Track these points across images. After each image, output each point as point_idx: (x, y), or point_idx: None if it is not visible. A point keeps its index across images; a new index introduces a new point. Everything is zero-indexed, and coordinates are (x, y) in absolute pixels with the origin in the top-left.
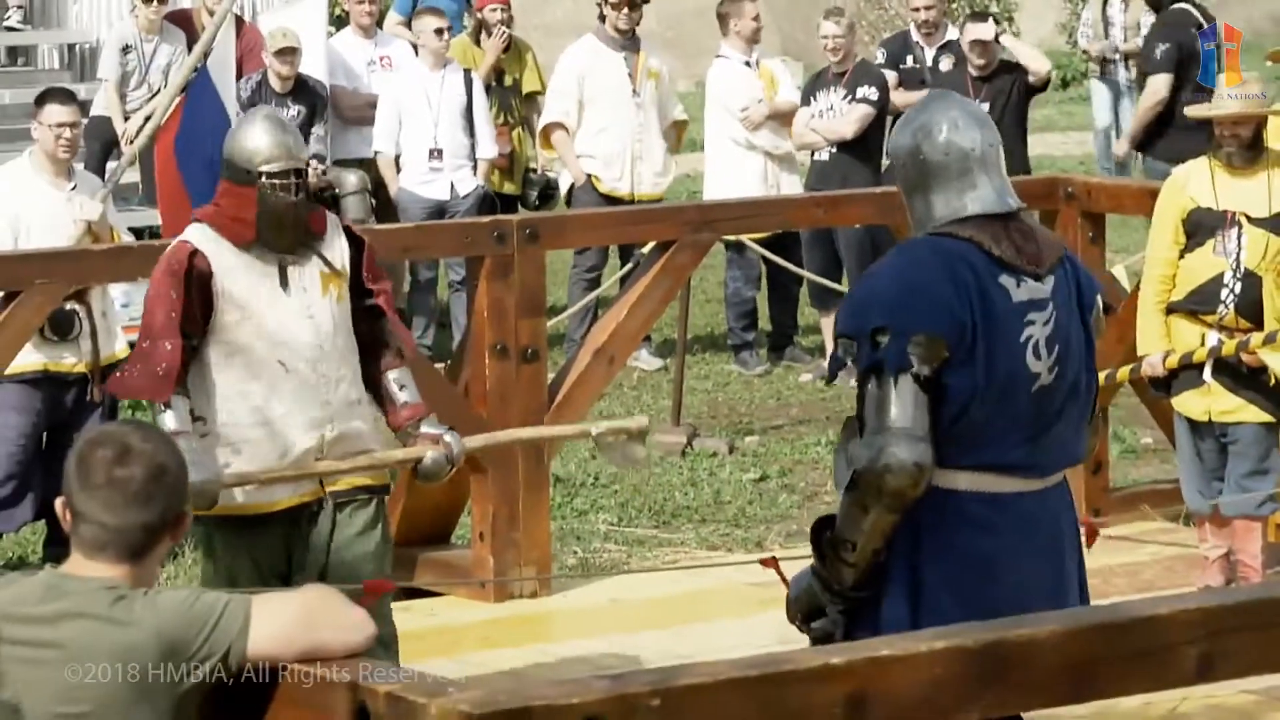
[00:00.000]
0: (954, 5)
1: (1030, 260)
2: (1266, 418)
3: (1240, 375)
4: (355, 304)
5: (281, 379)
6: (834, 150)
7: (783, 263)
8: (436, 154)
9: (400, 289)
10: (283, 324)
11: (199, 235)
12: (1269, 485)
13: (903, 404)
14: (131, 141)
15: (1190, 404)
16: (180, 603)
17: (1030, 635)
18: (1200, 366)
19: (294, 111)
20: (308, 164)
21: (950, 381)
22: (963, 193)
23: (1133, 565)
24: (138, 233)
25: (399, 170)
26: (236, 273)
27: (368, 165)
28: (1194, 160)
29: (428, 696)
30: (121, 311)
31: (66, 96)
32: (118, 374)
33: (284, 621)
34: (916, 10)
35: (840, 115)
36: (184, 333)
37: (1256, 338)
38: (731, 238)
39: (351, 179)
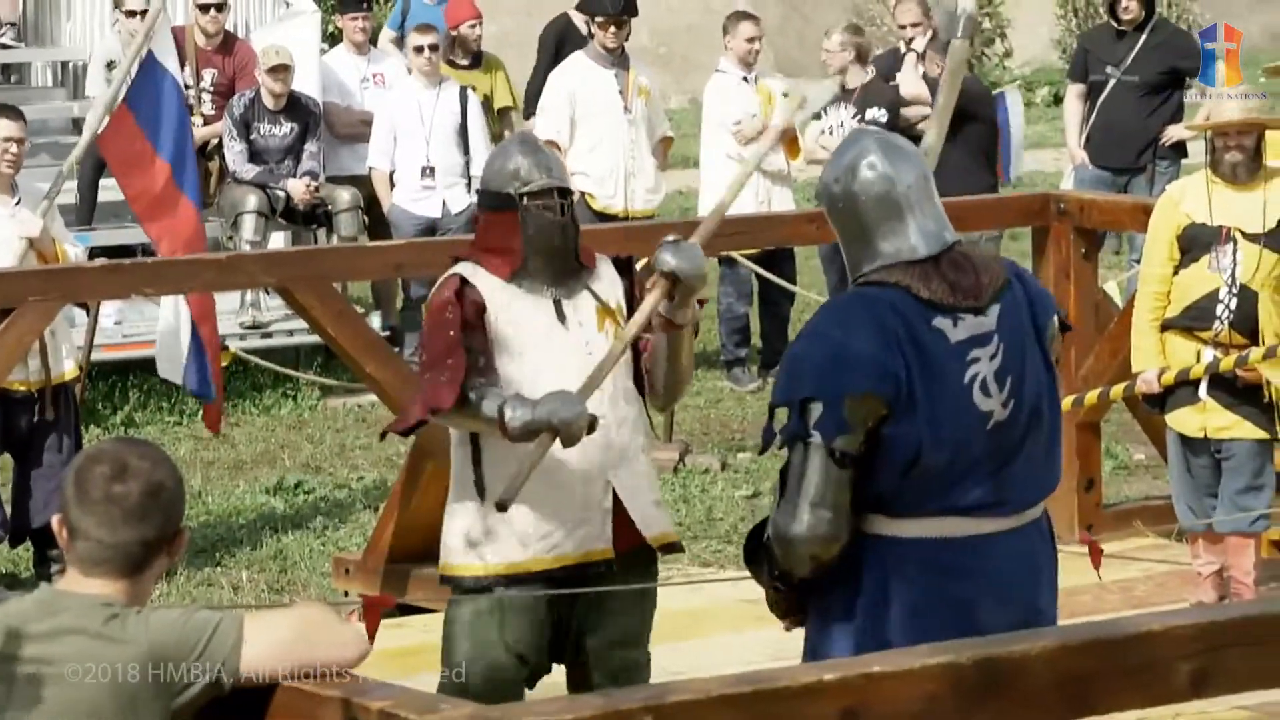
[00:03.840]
0: None
1: (967, 294)
2: (1261, 434)
3: (1236, 391)
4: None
5: None
6: None
7: (774, 278)
8: (429, 171)
9: (393, 306)
10: (561, 362)
11: (466, 270)
12: (1263, 502)
13: (819, 477)
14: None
15: (1185, 420)
16: (173, 621)
17: (1024, 651)
18: (1196, 383)
19: (287, 129)
20: (570, 189)
21: (895, 434)
22: (890, 236)
23: (1125, 581)
24: (129, 250)
25: (393, 187)
26: (510, 306)
27: (361, 182)
28: (1190, 176)
29: (420, 713)
30: (114, 329)
31: (13, 113)
32: (397, 421)
33: (277, 638)
34: (903, 28)
35: None
36: (467, 348)
37: (1256, 353)
38: (723, 253)
39: (344, 196)
